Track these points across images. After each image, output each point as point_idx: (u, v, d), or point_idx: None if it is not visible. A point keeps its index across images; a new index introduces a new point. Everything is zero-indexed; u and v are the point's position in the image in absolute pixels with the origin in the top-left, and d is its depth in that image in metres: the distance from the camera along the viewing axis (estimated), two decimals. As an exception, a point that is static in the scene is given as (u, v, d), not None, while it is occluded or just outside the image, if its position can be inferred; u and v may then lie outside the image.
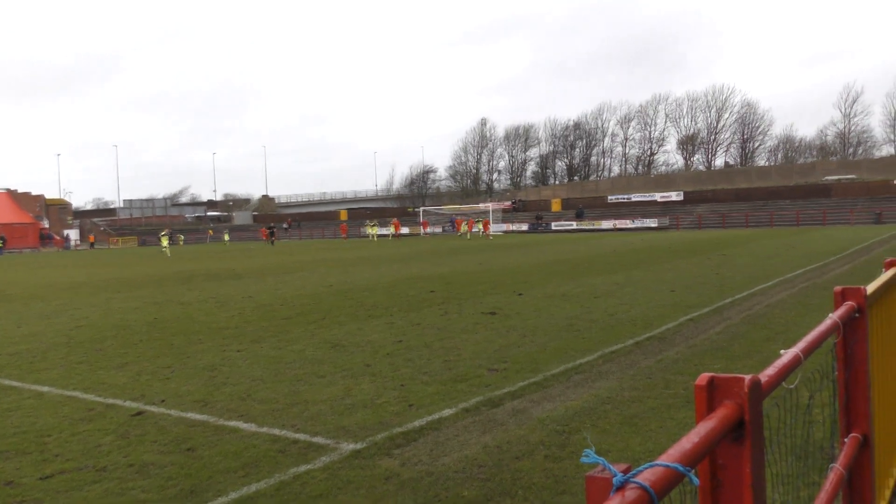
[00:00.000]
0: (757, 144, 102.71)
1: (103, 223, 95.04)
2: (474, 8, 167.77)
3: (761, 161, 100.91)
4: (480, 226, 65.61)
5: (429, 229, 77.06)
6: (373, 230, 61.92)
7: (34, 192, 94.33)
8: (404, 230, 73.69)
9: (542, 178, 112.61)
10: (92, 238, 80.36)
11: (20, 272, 34.14)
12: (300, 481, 4.91)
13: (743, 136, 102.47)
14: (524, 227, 76.82)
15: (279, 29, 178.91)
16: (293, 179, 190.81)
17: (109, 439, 6.06)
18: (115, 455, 5.63)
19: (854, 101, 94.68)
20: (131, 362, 9.44)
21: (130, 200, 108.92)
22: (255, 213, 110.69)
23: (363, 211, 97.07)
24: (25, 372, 9.03)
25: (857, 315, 3.07)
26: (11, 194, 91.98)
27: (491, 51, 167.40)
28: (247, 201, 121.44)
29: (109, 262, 41.89)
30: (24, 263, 45.13)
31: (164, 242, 53.51)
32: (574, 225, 74.35)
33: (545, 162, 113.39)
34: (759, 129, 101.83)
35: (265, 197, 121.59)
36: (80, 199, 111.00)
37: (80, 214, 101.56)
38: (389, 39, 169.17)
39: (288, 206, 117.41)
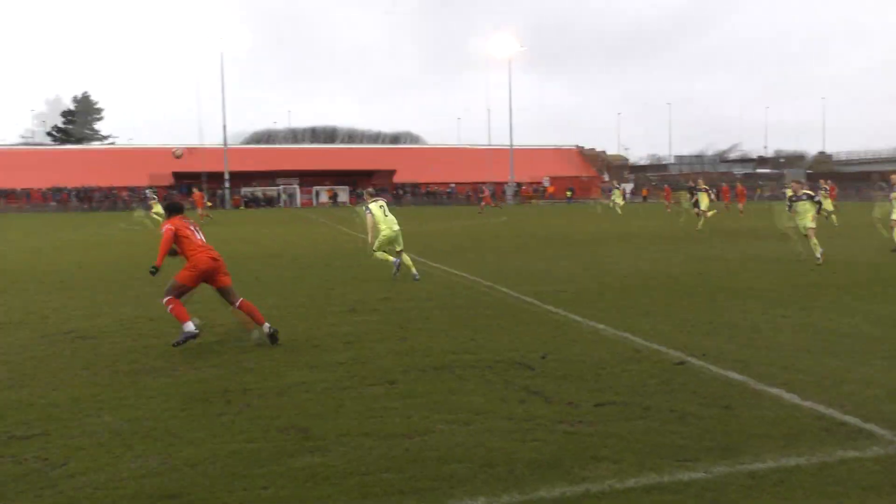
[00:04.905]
0: None
1: (655, 178, 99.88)
2: None
3: None
4: None
5: None
6: None
7: (597, 149, 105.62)
8: None
9: None
10: (645, 192, 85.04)
11: (587, 222, 38.48)
12: (846, 467, 4.54)
13: None
14: None
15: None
16: (858, 134, 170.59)
17: (654, 382, 6.50)
18: (658, 398, 6.03)
19: None
20: (674, 313, 9.88)
21: (681, 157, 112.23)
22: (809, 171, 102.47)
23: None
24: (586, 310, 10.23)
25: None
26: (580, 150, 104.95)
27: None
28: (800, 158, 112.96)
29: (656, 216, 43.82)
30: (581, 213, 50.42)
31: (618, 198, 45.90)
32: None
33: None
34: None
35: (821, 154, 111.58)
36: (636, 156, 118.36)
37: (636, 169, 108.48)
38: None
39: (848, 163, 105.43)
